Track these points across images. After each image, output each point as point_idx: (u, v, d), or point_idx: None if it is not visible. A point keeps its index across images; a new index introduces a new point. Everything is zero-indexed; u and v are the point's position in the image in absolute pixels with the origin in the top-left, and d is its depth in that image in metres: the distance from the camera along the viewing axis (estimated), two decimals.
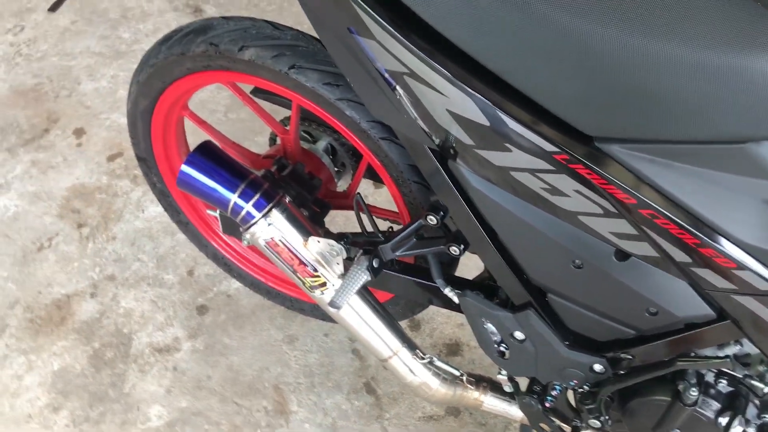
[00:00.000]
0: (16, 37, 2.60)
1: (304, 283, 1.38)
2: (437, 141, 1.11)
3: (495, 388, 1.52)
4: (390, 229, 1.41)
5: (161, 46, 1.49)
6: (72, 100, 2.45)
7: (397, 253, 1.30)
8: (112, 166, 2.30)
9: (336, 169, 1.69)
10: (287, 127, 1.57)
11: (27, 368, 1.88)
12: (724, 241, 0.92)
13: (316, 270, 1.35)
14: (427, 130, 1.10)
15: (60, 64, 2.54)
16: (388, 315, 1.44)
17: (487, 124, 1.01)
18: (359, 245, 1.33)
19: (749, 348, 1.15)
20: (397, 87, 1.07)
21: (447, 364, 1.47)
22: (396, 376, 1.47)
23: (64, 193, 2.22)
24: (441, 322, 1.97)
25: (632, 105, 0.87)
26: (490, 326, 1.35)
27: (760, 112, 0.81)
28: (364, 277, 1.27)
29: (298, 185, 1.48)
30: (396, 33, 0.99)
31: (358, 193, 1.28)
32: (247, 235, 1.35)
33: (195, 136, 1.65)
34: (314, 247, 1.33)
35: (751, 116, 0.81)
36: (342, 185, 1.73)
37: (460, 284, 1.37)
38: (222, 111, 2.45)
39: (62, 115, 2.42)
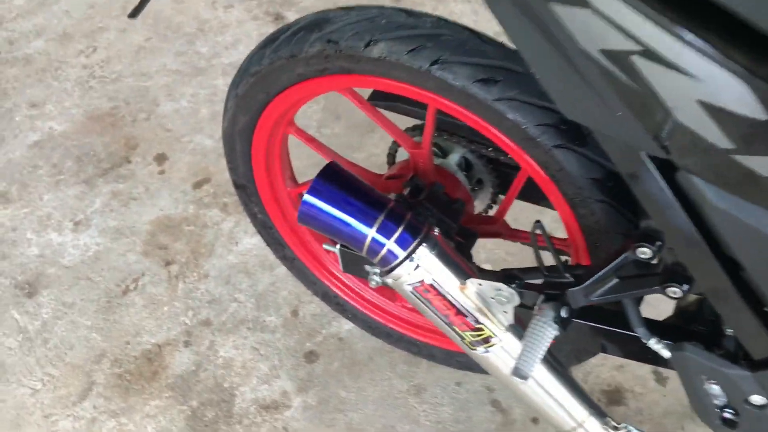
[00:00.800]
0: (89, 59, 2.39)
1: (462, 338, 1.08)
2: (665, 144, 0.79)
3: None
4: (565, 263, 1.09)
5: (265, 50, 1.22)
6: (151, 123, 2.22)
7: (592, 298, 0.98)
8: (199, 194, 2.05)
9: (471, 187, 1.39)
10: (418, 139, 1.27)
11: None
12: None
13: (478, 321, 1.05)
14: (651, 130, 0.79)
15: (136, 84, 2.31)
16: (569, 374, 1.12)
17: (766, 117, 0.69)
18: (536, 289, 1.02)
19: None
20: (616, 72, 0.76)
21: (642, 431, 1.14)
22: None
23: (148, 227, 1.99)
24: (596, 364, 1.64)
25: None
26: (715, 388, 1.02)
27: None
28: (552, 332, 0.97)
29: (438, 211, 1.18)
30: None
31: (538, 221, 0.98)
32: (389, 279, 1.06)
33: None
34: (475, 292, 1.03)
35: None
36: (478, 207, 1.43)
37: (666, 332, 1.04)
38: (314, 126, 2.18)
39: (141, 140, 2.19)
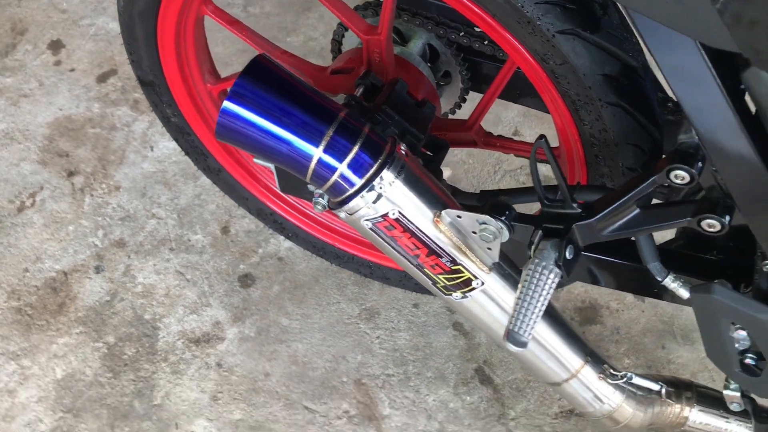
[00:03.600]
0: None
1: (434, 282, 0.85)
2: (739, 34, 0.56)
3: (702, 398, 1.03)
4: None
5: None
6: (42, 2, 1.85)
7: (605, 233, 0.77)
8: (105, 88, 1.73)
9: (438, 82, 1.14)
10: (373, 21, 1.00)
11: (21, 379, 1.39)
12: None
13: (456, 262, 0.82)
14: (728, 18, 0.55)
15: None
16: (559, 314, 0.92)
17: None
18: (533, 222, 0.79)
19: None
20: None
21: (647, 378, 0.97)
22: (570, 402, 0.97)
23: (45, 131, 1.67)
24: None
25: None
26: (741, 333, 0.84)
27: None
28: (554, 280, 0.75)
29: (402, 118, 0.93)
30: None
31: (543, 137, 0.74)
32: (341, 213, 0.81)
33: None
34: (452, 226, 0.80)
35: None
36: (442, 107, 1.18)
37: (685, 267, 0.84)
38: (240, 4, 1.86)
39: (31, 23, 1.83)
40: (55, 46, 1.79)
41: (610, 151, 0.87)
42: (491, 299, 0.85)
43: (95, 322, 1.44)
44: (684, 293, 0.83)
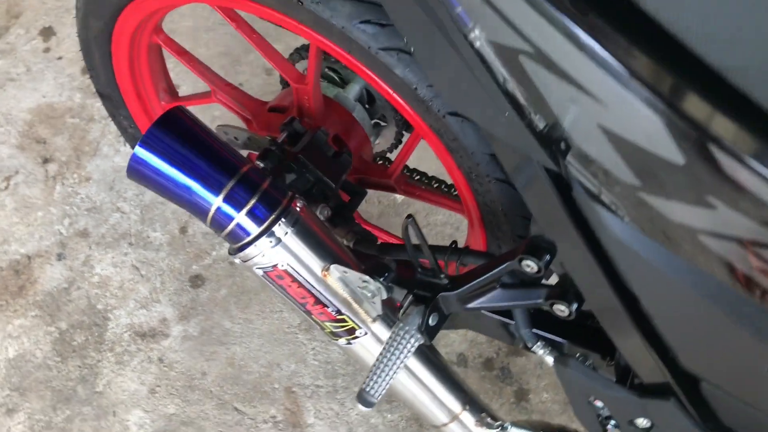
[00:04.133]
0: None
1: (322, 327, 0.93)
2: (559, 161, 0.62)
3: None
4: (453, 245, 0.93)
5: None
6: None
7: (469, 306, 0.83)
8: (88, 80, 1.80)
9: (374, 121, 1.20)
10: (303, 72, 1.06)
11: None
12: None
13: (341, 312, 0.89)
14: (545, 143, 0.61)
15: None
16: (441, 360, 0.99)
17: (682, 162, 0.52)
18: (408, 286, 0.86)
19: None
20: (505, 72, 0.56)
21: (525, 427, 1.03)
22: None
23: (27, 116, 1.75)
24: None
25: None
26: (599, 403, 0.90)
27: None
28: (414, 344, 0.82)
29: (318, 165, 0.99)
30: None
31: (410, 217, 0.80)
32: (237, 259, 0.88)
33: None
34: (339, 280, 0.87)
35: None
36: (381, 145, 1.24)
37: (560, 332, 0.91)
38: (203, 27, 1.90)
39: (27, 8, 1.90)
40: (47, 33, 1.87)
41: (500, 220, 0.93)
42: (375, 346, 0.91)
43: (51, 307, 1.53)
44: (549, 361, 0.90)
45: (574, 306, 0.78)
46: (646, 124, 0.51)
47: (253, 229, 0.85)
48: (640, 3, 0.49)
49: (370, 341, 0.91)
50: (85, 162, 1.69)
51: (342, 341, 0.92)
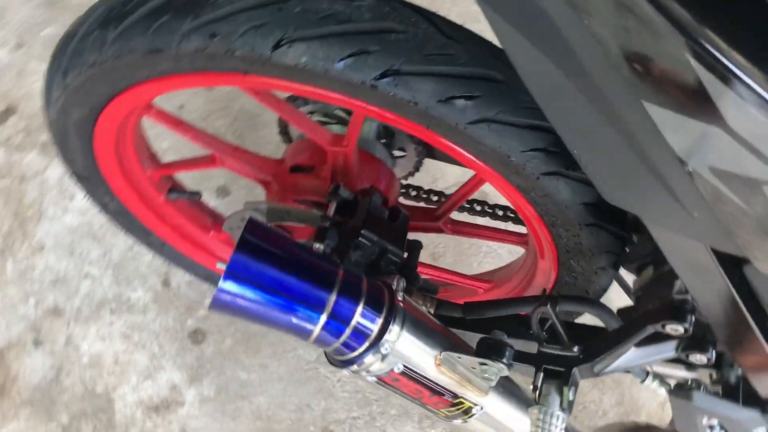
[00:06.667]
0: None
1: (436, 414, 0.87)
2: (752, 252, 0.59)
3: None
4: (543, 292, 0.89)
5: (106, 32, 0.82)
6: None
7: (603, 371, 0.81)
8: (5, 131, 1.59)
9: (394, 154, 1.12)
10: (338, 131, 0.97)
11: None
12: None
13: (456, 396, 0.84)
14: (743, 242, 0.58)
15: None
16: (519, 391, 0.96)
17: None
18: (533, 362, 0.82)
19: None
20: (722, 190, 0.52)
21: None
22: None
23: None
24: None
25: None
26: (709, 421, 0.92)
27: None
28: (561, 423, 0.78)
29: (382, 234, 0.91)
30: None
31: (547, 294, 0.75)
32: (346, 371, 0.81)
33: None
34: (454, 367, 0.82)
35: None
36: (397, 174, 1.17)
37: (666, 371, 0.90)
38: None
39: None
40: None
41: (584, 257, 0.90)
42: (491, 416, 0.88)
43: (44, 402, 1.38)
44: (662, 392, 0.90)
45: (713, 352, 0.77)
46: None
47: (364, 339, 0.78)
48: None
49: (486, 414, 0.87)
50: (31, 229, 1.51)
51: (458, 420, 0.88)
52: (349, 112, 1.08)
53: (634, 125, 0.53)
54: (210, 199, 1.52)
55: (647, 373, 0.89)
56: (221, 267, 0.84)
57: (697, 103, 0.46)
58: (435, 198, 1.18)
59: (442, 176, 1.58)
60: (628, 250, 0.90)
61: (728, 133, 0.46)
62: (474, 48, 0.75)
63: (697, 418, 0.90)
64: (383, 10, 0.74)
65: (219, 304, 0.75)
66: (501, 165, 0.80)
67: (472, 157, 0.81)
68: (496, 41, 0.61)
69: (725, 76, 0.43)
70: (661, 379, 0.90)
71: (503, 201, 1.05)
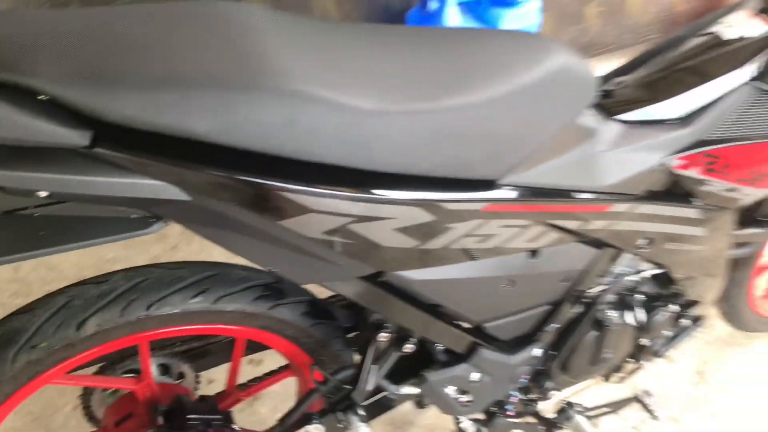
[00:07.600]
0: None
1: None
2: (375, 265, 1.12)
3: None
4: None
5: None
6: None
7: (371, 388, 1.28)
8: None
9: (175, 381, 1.51)
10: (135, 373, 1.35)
11: None
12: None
13: None
14: (362, 262, 1.10)
15: None
16: None
17: (430, 219, 1.08)
18: (325, 411, 1.25)
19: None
20: (335, 241, 1.05)
21: None
22: None
23: None
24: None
25: None
26: (449, 389, 1.39)
27: None
28: None
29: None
30: (335, 192, 0.99)
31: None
32: None
33: None
34: None
35: None
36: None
37: (406, 374, 1.39)
38: None
39: None
40: None
41: (324, 350, 1.39)
42: None
43: None
44: (414, 390, 1.34)
45: (414, 340, 1.29)
46: (414, 213, 1.07)
47: None
48: None
49: None
50: None
51: None
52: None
53: (275, 231, 1.03)
54: None
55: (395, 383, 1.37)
56: None
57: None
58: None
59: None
60: None
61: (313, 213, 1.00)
62: (189, 265, 1.22)
63: (440, 392, 1.37)
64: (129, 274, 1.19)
65: None
66: (244, 318, 1.26)
67: (226, 326, 1.26)
68: None
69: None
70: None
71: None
